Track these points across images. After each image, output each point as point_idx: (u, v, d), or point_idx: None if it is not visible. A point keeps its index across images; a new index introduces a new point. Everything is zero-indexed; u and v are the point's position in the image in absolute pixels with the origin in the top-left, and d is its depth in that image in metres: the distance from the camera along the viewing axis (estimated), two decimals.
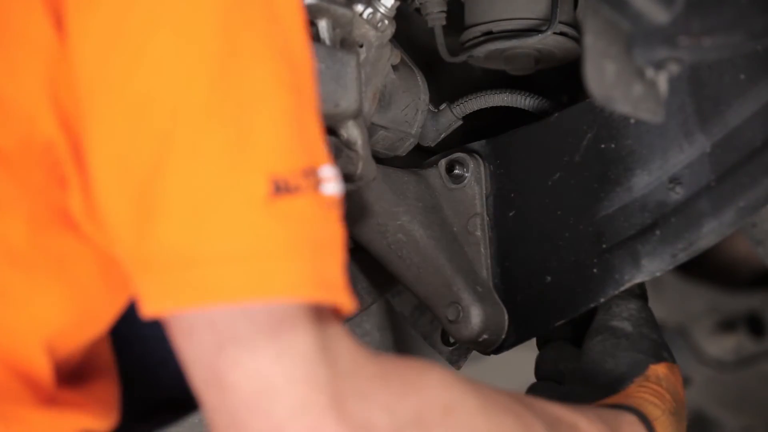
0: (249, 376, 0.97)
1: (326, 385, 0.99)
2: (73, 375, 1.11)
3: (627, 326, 1.46)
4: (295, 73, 1.01)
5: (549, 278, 1.50)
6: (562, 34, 1.55)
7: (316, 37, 1.32)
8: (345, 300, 1.01)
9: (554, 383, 1.47)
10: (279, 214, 0.97)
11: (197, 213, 0.96)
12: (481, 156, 1.57)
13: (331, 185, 1.00)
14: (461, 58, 1.59)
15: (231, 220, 0.96)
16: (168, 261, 0.96)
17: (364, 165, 1.34)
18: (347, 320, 1.70)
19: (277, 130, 0.98)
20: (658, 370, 1.42)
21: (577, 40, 1.55)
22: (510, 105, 1.61)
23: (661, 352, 1.44)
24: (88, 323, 1.10)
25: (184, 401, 1.23)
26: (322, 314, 1.01)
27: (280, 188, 0.96)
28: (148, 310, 0.98)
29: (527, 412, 1.16)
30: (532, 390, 1.46)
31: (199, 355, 0.99)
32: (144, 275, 0.98)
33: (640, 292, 1.51)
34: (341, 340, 1.02)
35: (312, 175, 0.99)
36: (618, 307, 1.48)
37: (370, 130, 1.50)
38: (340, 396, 0.99)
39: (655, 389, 1.39)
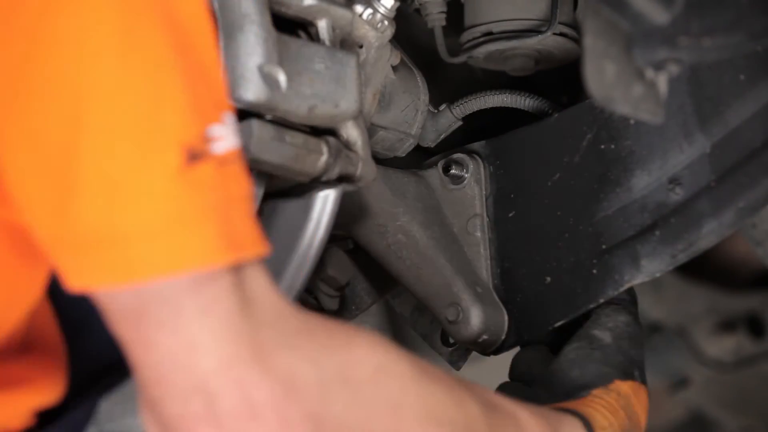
0: (172, 334, 0.99)
1: (250, 338, 1.01)
2: (18, 348, 1.12)
3: (606, 337, 1.45)
4: (183, 37, 1.01)
5: (549, 279, 1.50)
6: (561, 34, 1.55)
7: (315, 38, 1.32)
8: (257, 250, 1.02)
9: (523, 384, 1.47)
10: (192, 183, 0.98)
11: (115, 190, 0.97)
12: (480, 157, 1.57)
13: (223, 143, 1.01)
14: (461, 58, 1.59)
15: (148, 195, 0.97)
16: (87, 240, 0.98)
17: (364, 165, 1.34)
18: (348, 321, 1.71)
19: (179, 98, 0.99)
20: (622, 386, 1.41)
21: (577, 40, 1.55)
22: (510, 106, 1.61)
23: (632, 370, 1.43)
24: (13, 298, 1.11)
25: (118, 365, 1.25)
26: (243, 268, 1.02)
27: (191, 156, 0.98)
28: (72, 285, 1.00)
29: (462, 389, 1.16)
30: (501, 389, 1.46)
31: (123, 314, 1.01)
32: (64, 253, 1.00)
33: (633, 308, 1.50)
34: (265, 293, 1.04)
35: (210, 138, 1.00)
36: (606, 317, 1.47)
37: (370, 130, 1.50)
38: (264, 348, 1.01)
39: (610, 403, 1.38)
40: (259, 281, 1.03)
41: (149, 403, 1.03)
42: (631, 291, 1.51)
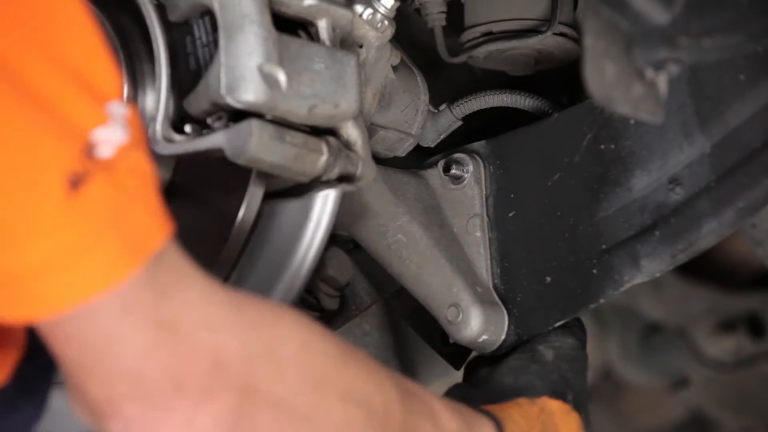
0: (92, 330, 1.00)
1: (171, 322, 1.01)
2: None
3: (549, 354, 1.47)
4: (53, 45, 0.98)
5: (549, 279, 1.50)
6: (561, 34, 1.55)
7: (316, 38, 1.32)
8: (162, 239, 1.01)
9: (470, 386, 1.49)
10: (79, 208, 0.97)
11: (5, 233, 0.95)
12: (480, 156, 1.57)
13: (109, 145, 0.98)
14: (461, 58, 1.59)
15: (37, 233, 0.96)
16: None
17: (364, 165, 1.34)
18: (348, 322, 1.72)
19: (49, 128, 0.96)
20: (549, 403, 1.42)
21: (577, 40, 1.55)
22: (510, 105, 1.61)
23: (565, 392, 1.44)
24: None
25: None
26: (158, 258, 1.01)
27: (74, 182, 0.96)
28: None
29: (382, 373, 1.18)
30: (453, 388, 1.48)
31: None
32: None
33: (582, 336, 1.52)
34: (186, 276, 1.04)
35: (94, 144, 0.98)
36: (555, 336, 1.49)
37: (370, 130, 1.50)
38: (187, 329, 1.02)
39: (529, 413, 1.39)
40: (177, 265, 1.04)
41: (74, 387, 1.04)
42: (579, 321, 1.53)
